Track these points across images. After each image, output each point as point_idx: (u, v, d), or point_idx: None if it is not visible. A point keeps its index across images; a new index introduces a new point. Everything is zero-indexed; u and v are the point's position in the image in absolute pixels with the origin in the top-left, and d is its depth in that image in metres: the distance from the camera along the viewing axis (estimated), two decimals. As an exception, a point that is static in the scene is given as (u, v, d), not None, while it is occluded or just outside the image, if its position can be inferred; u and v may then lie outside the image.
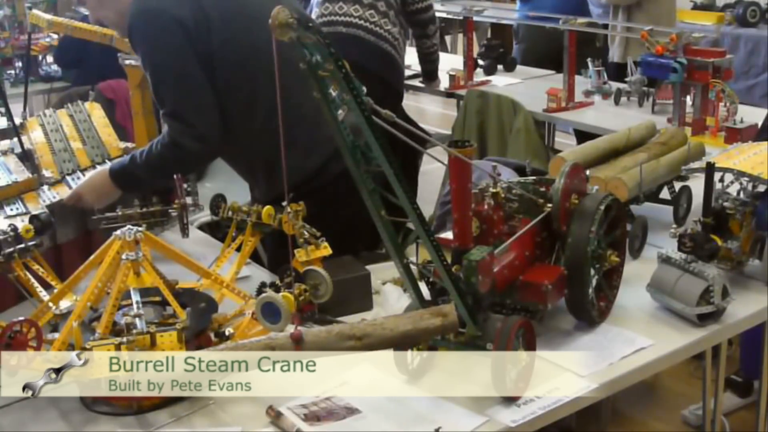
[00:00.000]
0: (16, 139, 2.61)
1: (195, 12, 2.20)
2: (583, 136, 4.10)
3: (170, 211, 2.31)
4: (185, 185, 2.41)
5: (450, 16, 5.16)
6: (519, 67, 4.67)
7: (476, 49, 4.65)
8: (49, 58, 4.91)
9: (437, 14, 4.10)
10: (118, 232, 1.71)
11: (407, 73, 4.20)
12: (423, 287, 1.61)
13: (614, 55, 4.40)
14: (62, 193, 2.30)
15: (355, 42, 3.67)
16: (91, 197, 2.32)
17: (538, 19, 4.35)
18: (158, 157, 2.27)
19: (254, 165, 2.43)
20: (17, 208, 2.22)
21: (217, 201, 2.05)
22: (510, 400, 1.55)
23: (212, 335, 1.70)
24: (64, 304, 1.84)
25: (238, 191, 2.49)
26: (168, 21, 2.18)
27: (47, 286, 1.89)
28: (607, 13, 4.46)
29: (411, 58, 4.23)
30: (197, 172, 2.64)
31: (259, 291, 1.85)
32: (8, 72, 4.71)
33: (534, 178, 1.90)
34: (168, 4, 2.20)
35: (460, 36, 7.05)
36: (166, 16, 2.18)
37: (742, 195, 1.98)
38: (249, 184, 2.52)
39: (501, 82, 4.36)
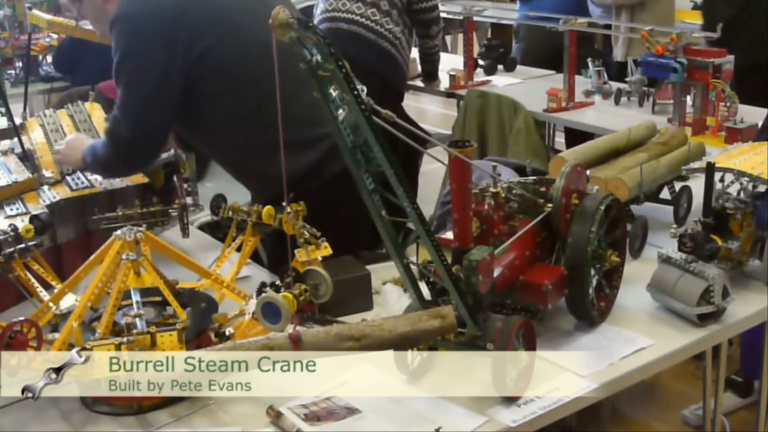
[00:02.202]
0: (16, 139, 2.62)
1: (173, 23, 2.22)
2: (574, 135, 4.12)
3: (170, 211, 2.31)
4: (185, 185, 2.42)
5: (450, 16, 5.16)
6: (519, 67, 4.66)
7: (476, 49, 4.65)
8: (49, 58, 4.90)
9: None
10: (119, 232, 1.71)
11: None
12: (423, 287, 1.61)
13: (617, 54, 4.39)
14: (62, 193, 2.31)
15: (355, 39, 3.69)
16: (65, 156, 2.46)
17: (538, 19, 4.35)
18: (101, 149, 2.34)
19: (244, 168, 2.44)
20: (17, 208, 2.22)
21: (218, 201, 2.05)
22: (510, 400, 1.55)
23: (212, 335, 1.71)
24: (65, 304, 1.83)
25: (238, 191, 2.49)
26: (141, 28, 2.23)
27: (47, 286, 1.89)
28: (608, 13, 4.45)
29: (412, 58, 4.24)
30: (198, 172, 2.64)
31: (260, 291, 1.85)
32: (8, 72, 4.71)
33: (534, 178, 1.90)
34: (147, 13, 2.24)
35: (460, 36, 7.04)
36: (140, 24, 2.23)
37: (742, 195, 1.98)
38: (244, 185, 2.52)
39: (501, 82, 4.36)
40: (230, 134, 2.34)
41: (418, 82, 4.50)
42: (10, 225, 1.92)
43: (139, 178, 2.40)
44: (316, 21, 3.83)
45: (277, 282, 1.71)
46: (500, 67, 4.58)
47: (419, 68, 4.42)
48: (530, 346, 1.59)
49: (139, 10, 2.25)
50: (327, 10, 3.80)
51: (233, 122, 2.32)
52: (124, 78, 2.25)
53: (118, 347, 1.54)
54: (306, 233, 1.76)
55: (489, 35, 6.95)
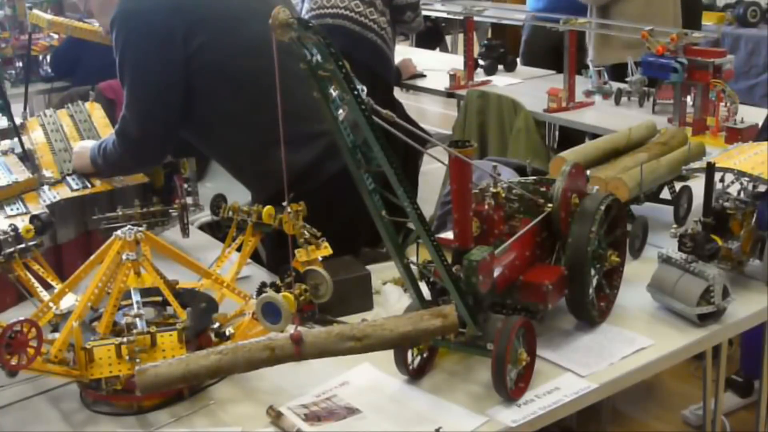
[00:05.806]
0: (16, 139, 2.62)
1: (170, 17, 2.24)
2: (569, 134, 4.11)
3: (171, 211, 2.31)
4: (185, 185, 2.42)
5: (450, 16, 5.16)
6: (519, 67, 4.68)
7: (476, 49, 4.66)
8: (50, 59, 4.91)
9: (438, 14, 4.09)
10: (119, 232, 1.71)
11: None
12: (423, 287, 1.61)
13: (590, 57, 4.29)
14: (62, 193, 2.31)
15: (341, 32, 3.68)
16: (77, 167, 2.46)
17: (539, 20, 4.34)
18: (111, 148, 2.35)
19: (242, 164, 2.44)
20: (17, 208, 2.22)
21: (218, 201, 2.06)
22: (510, 400, 1.55)
23: (212, 335, 1.70)
24: (65, 304, 1.83)
25: (238, 191, 2.49)
26: (139, 23, 2.25)
27: (47, 286, 1.89)
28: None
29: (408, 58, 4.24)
30: (198, 172, 2.64)
31: (260, 291, 1.85)
32: (9, 72, 4.70)
33: (534, 178, 1.90)
34: (144, 9, 2.26)
35: (460, 36, 7.04)
36: (138, 19, 2.26)
37: (742, 195, 1.98)
38: (242, 184, 2.53)
39: (501, 82, 4.36)
40: (227, 131, 2.35)
41: (418, 82, 4.50)
42: (10, 225, 1.92)
43: (139, 178, 2.41)
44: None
45: (277, 282, 1.71)
46: (500, 67, 4.59)
47: (418, 68, 4.42)
48: (530, 346, 1.59)
49: (135, 6, 2.27)
50: (312, 9, 3.79)
51: (230, 119, 2.32)
52: (128, 77, 2.28)
53: (118, 347, 1.54)
54: (306, 233, 1.76)
55: (489, 35, 6.95)
